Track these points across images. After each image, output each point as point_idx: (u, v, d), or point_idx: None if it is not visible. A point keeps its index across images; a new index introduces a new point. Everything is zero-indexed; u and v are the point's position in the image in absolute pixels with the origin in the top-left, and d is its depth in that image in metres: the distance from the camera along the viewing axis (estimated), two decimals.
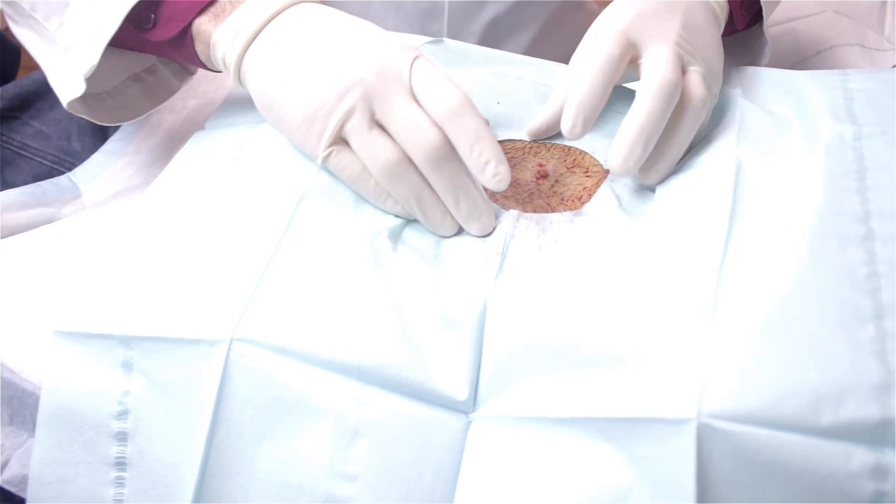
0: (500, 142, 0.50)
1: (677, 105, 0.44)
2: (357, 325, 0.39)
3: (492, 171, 0.41)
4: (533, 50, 0.66)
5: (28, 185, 0.58)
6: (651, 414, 0.34)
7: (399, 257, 0.42)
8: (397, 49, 0.43)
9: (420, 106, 0.42)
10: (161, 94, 0.56)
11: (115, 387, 0.40)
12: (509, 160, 0.49)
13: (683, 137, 0.44)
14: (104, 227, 0.48)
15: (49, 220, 0.56)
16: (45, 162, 0.64)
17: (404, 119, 0.41)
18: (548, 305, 0.39)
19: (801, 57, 0.76)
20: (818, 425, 0.32)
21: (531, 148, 0.50)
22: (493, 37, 0.62)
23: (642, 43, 0.45)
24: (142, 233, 0.44)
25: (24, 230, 0.52)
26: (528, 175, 0.48)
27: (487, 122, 0.43)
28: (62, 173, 0.62)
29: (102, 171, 0.61)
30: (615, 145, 0.42)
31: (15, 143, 0.64)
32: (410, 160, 0.42)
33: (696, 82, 0.45)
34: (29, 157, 0.64)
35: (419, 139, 0.41)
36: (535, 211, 0.45)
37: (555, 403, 0.37)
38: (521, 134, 0.51)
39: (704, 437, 0.33)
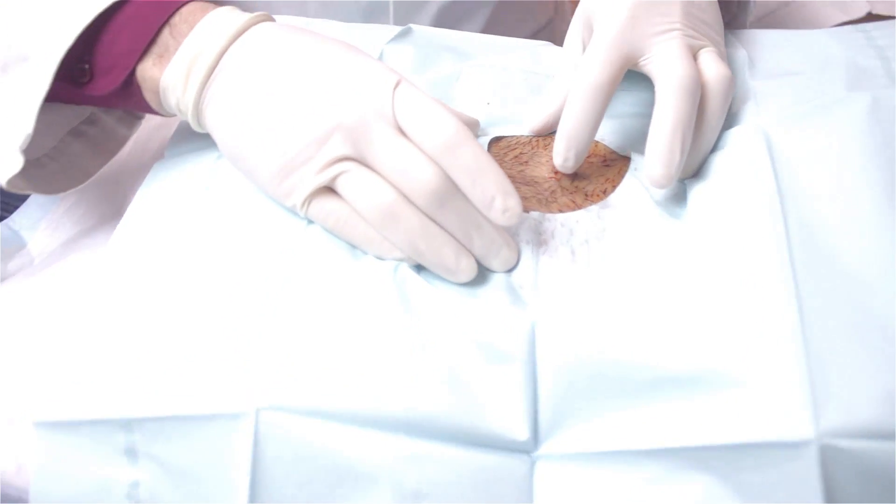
0: (503, 137, 0.46)
1: (703, 93, 0.40)
2: (395, 371, 0.34)
3: (500, 207, 0.37)
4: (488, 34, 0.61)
5: None
6: (760, 438, 0.31)
7: (425, 287, 0.37)
8: (374, 77, 0.38)
9: (410, 140, 0.37)
10: (109, 146, 0.49)
11: (122, 478, 0.35)
12: (518, 156, 0.45)
13: (715, 123, 0.41)
14: (73, 291, 0.42)
15: None
16: None
17: (395, 159, 0.36)
18: (602, 322, 0.35)
19: (768, 10, 0.74)
20: None
21: (539, 140, 0.46)
22: (443, 27, 0.57)
23: (643, 42, 0.41)
24: (120, 296, 0.38)
25: None
26: (543, 171, 0.44)
27: (487, 151, 0.38)
28: (1, 218, 0.54)
29: (46, 214, 0.54)
30: (651, 158, 0.38)
31: None
32: (407, 199, 0.37)
33: (715, 63, 0.41)
34: None
35: (416, 180, 0.36)
36: (560, 210, 0.41)
37: (633, 434, 0.33)
38: (520, 129, 0.46)
39: (828, 459, 0.30)
